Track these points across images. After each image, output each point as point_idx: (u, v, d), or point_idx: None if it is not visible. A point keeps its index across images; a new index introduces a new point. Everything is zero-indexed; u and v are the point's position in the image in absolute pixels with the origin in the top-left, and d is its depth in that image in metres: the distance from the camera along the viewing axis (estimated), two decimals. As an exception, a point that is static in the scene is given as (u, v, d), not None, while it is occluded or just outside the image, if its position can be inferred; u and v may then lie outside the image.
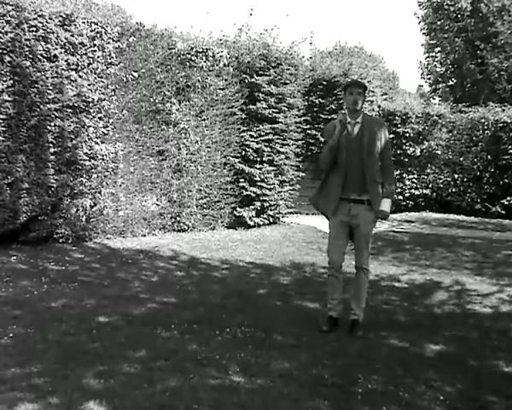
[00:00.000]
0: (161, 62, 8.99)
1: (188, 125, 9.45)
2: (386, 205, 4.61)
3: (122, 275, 6.43)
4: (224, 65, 9.98)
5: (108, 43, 8.11)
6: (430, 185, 14.40)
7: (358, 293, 4.70)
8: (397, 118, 14.29)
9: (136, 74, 8.54)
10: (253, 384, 3.46)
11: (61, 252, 7.34)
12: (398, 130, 14.28)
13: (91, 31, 7.85)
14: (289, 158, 11.18)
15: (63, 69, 7.46)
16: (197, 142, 9.63)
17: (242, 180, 10.38)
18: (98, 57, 7.96)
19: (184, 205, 9.53)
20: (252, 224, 10.48)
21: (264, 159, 10.57)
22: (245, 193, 10.41)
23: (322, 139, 12.81)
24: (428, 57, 28.79)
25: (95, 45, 7.91)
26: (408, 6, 62.04)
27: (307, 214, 12.86)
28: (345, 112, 4.73)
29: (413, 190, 14.42)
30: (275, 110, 10.63)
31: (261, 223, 10.66)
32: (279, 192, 10.94)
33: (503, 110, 14.11)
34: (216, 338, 4.30)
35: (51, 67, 7.33)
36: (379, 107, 14.41)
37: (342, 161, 4.53)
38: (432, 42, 27.87)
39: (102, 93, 8.04)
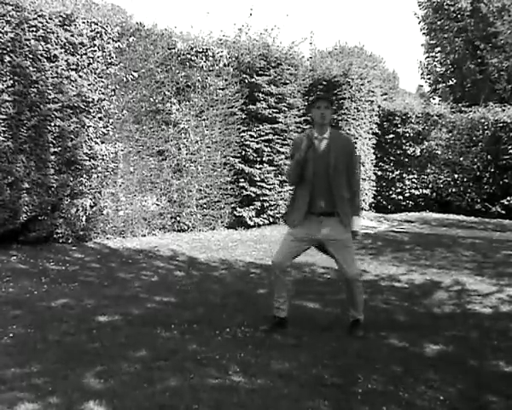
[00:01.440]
0: (161, 62, 8.99)
1: (188, 125, 9.45)
2: (357, 225, 4.57)
3: (122, 275, 6.43)
4: (224, 65, 9.98)
5: (108, 43, 8.11)
6: (430, 185, 14.41)
7: (354, 300, 4.59)
8: (397, 118, 14.30)
9: (136, 74, 8.54)
10: (253, 384, 3.46)
11: (61, 252, 7.34)
12: (398, 130, 14.29)
13: (91, 31, 7.85)
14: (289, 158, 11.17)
15: (63, 69, 7.46)
16: (197, 142, 9.64)
17: (242, 180, 10.38)
18: (98, 57, 7.96)
19: (184, 205, 9.53)
20: (252, 224, 10.48)
21: (264, 159, 10.57)
22: (245, 193, 10.41)
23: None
24: (428, 57, 28.80)
25: (95, 45, 7.91)
26: (408, 6, 62.07)
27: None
28: (312, 128, 4.60)
29: (413, 190, 14.43)
30: (275, 110, 10.63)
31: (261, 223, 10.66)
32: (279, 192, 10.94)
33: (503, 110, 14.11)
34: (216, 338, 4.30)
35: (51, 67, 7.34)
36: (379, 107, 14.42)
37: (309, 177, 4.46)
38: (432, 42, 27.88)
39: (102, 93, 8.05)
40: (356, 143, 13.31)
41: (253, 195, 10.43)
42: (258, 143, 10.44)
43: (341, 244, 4.49)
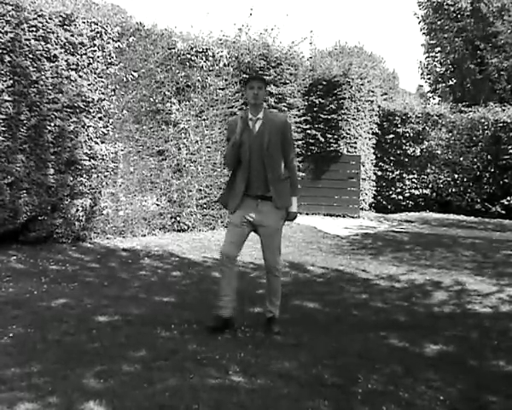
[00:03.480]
0: (161, 62, 8.99)
1: (188, 125, 9.45)
2: (294, 205, 4.57)
3: (122, 275, 6.43)
4: (224, 65, 9.98)
5: (108, 43, 8.11)
6: (430, 185, 14.41)
7: (273, 294, 4.57)
8: (397, 118, 14.30)
9: (136, 74, 8.54)
10: (253, 384, 3.46)
11: (60, 252, 7.34)
12: (398, 130, 14.29)
13: (91, 31, 7.85)
14: (289, 158, 11.17)
15: (63, 69, 7.46)
16: (197, 142, 9.64)
17: (242, 180, 10.37)
18: (98, 57, 7.96)
19: (184, 205, 9.53)
20: (252, 224, 10.46)
21: (264, 159, 10.56)
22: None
23: (322, 139, 12.85)
24: (428, 57, 28.82)
25: (95, 45, 7.91)
26: (408, 6, 62.06)
27: (307, 214, 12.88)
28: (247, 108, 4.57)
29: (413, 190, 14.44)
30: (275, 110, 10.63)
31: (261, 223, 10.64)
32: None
33: (503, 110, 14.11)
34: (216, 338, 4.30)
35: (51, 67, 7.33)
36: (379, 107, 14.42)
37: (246, 159, 4.41)
38: (432, 42, 27.90)
39: (102, 93, 8.04)
40: (356, 143, 13.34)
41: (253, 195, 10.42)
42: (258, 143, 10.43)
43: (270, 231, 4.53)
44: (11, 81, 6.93)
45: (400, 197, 14.53)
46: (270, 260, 4.57)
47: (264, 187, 4.43)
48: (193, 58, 9.43)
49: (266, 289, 4.67)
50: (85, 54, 7.79)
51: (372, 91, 14.02)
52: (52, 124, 7.37)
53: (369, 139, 14.13)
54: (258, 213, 4.47)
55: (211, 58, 9.73)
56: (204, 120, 9.71)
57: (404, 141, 14.36)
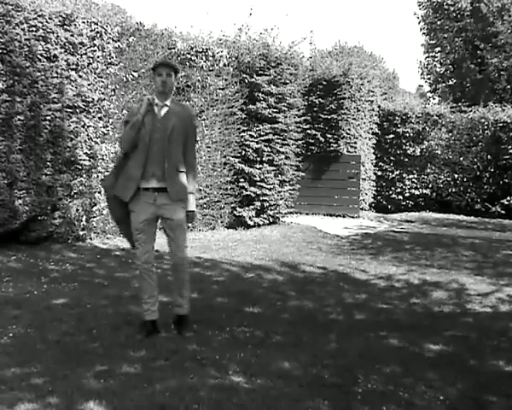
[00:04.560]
0: (161, 62, 8.98)
1: (188, 125, 9.44)
2: (192, 204, 4.49)
3: (122, 275, 6.43)
4: (224, 65, 9.98)
5: (108, 43, 8.12)
6: (430, 185, 14.42)
7: (182, 286, 4.46)
8: (397, 118, 14.30)
9: (136, 74, 8.54)
10: (253, 384, 3.46)
11: (61, 252, 7.34)
12: (398, 130, 14.29)
13: (91, 31, 7.85)
14: (289, 158, 11.18)
15: (63, 69, 7.46)
16: (197, 142, 9.63)
17: (242, 180, 10.38)
18: (98, 57, 7.96)
19: (184, 205, 9.52)
20: (252, 224, 10.48)
21: (264, 159, 10.57)
22: (245, 193, 10.41)
23: (322, 139, 12.84)
24: (428, 57, 28.82)
25: (95, 45, 7.91)
26: (408, 6, 62.05)
27: (307, 214, 12.88)
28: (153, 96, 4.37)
29: (413, 190, 14.44)
30: (275, 110, 10.63)
31: (261, 223, 10.66)
32: (279, 192, 10.94)
33: (503, 110, 14.11)
34: (216, 338, 4.30)
35: (51, 67, 7.33)
36: (379, 107, 14.42)
37: (144, 143, 4.19)
38: (432, 42, 27.89)
39: (102, 93, 8.05)
40: (356, 143, 13.34)
41: (253, 195, 10.43)
42: (258, 142, 10.44)
43: (174, 225, 4.40)
44: (11, 81, 6.93)
45: (400, 197, 14.53)
46: (178, 254, 4.42)
47: (160, 176, 4.24)
48: (193, 58, 9.43)
49: (174, 284, 4.55)
50: (85, 54, 7.79)
51: (372, 91, 14.03)
52: (52, 124, 7.37)
53: (369, 139, 14.13)
54: (158, 206, 4.31)
55: (211, 58, 9.73)
56: (204, 119, 9.71)
57: (404, 141, 14.36)
